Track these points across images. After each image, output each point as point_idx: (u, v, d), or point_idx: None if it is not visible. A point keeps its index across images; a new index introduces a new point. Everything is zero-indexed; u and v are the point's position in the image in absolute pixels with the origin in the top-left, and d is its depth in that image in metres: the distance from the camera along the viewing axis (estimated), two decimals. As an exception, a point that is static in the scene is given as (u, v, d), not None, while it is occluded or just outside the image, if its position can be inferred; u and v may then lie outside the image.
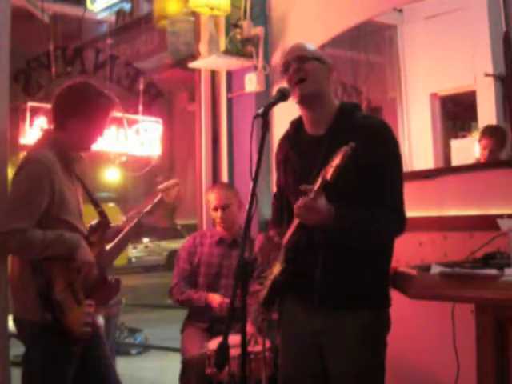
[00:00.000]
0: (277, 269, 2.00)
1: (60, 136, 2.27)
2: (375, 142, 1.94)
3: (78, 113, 2.25)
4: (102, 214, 2.39)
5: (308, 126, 2.09)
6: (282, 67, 2.06)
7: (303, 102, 2.04)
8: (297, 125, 2.14)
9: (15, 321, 2.23)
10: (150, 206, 2.54)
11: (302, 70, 2.00)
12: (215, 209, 3.25)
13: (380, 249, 2.02)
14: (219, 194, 3.28)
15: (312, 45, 2.12)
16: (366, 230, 1.93)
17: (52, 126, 2.34)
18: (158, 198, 2.57)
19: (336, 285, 1.95)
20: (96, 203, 2.42)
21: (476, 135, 2.90)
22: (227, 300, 3.01)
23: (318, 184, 1.77)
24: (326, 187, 1.76)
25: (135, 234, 2.49)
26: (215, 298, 3.07)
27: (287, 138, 2.16)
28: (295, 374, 2.08)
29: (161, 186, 2.58)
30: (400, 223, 1.98)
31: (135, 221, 2.48)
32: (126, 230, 2.45)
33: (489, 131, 2.79)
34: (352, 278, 1.95)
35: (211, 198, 3.30)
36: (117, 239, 2.42)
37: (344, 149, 1.69)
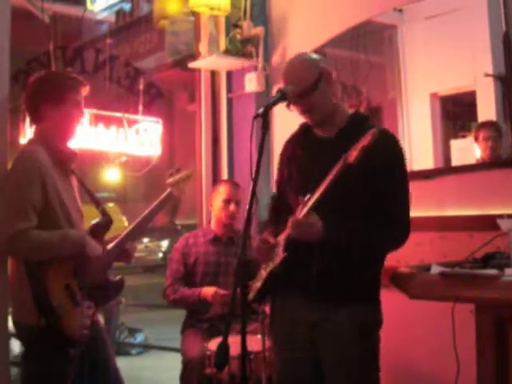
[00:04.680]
0: (275, 261, 2.02)
1: (42, 128, 2.26)
2: (386, 153, 1.98)
3: (45, 97, 2.24)
4: (104, 213, 2.35)
5: (317, 130, 2.13)
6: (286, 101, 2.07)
7: (315, 126, 2.09)
8: (305, 127, 2.17)
9: (14, 323, 2.22)
10: (157, 202, 2.44)
11: (308, 105, 2.03)
12: (228, 201, 3.21)
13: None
14: (234, 188, 3.25)
15: (305, 56, 2.09)
16: (359, 242, 1.97)
17: (33, 124, 2.32)
18: (167, 192, 2.47)
19: (332, 275, 1.98)
20: (97, 202, 2.39)
21: (476, 135, 2.89)
22: (221, 291, 3.01)
23: (314, 198, 1.88)
24: (348, 171, 1.81)
25: (140, 233, 2.43)
26: (209, 291, 3.05)
27: (295, 138, 2.20)
28: (291, 375, 2.10)
29: (171, 180, 2.48)
30: (401, 235, 2.01)
31: (140, 218, 2.41)
32: (128, 228, 2.40)
33: (487, 124, 2.79)
34: (347, 271, 1.99)
35: (223, 189, 3.25)
36: (118, 239, 2.37)
37: (373, 130, 1.75)
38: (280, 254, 2.00)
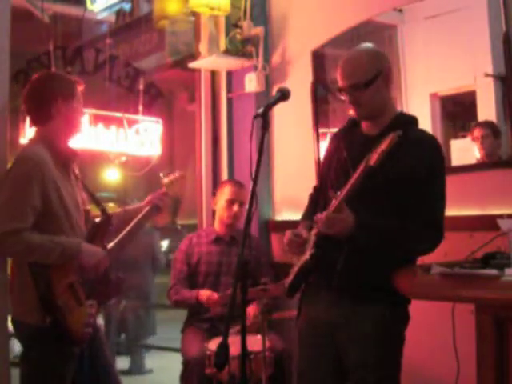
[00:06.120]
0: (305, 255, 2.02)
1: (47, 127, 2.25)
2: (423, 155, 1.97)
3: (58, 93, 2.24)
4: (104, 213, 2.37)
5: (364, 124, 2.13)
6: (338, 88, 2.07)
7: (360, 119, 2.10)
8: (353, 121, 2.16)
9: (13, 322, 2.22)
10: (153, 202, 2.50)
11: (357, 99, 2.02)
12: (231, 201, 3.21)
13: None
14: (238, 189, 3.25)
15: (370, 50, 2.09)
16: (389, 242, 1.96)
17: (36, 126, 2.30)
18: (163, 191, 2.54)
19: (356, 274, 1.97)
20: (98, 202, 2.41)
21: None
22: (215, 294, 3.02)
23: (344, 191, 1.86)
24: (369, 174, 1.81)
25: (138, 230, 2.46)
26: (204, 294, 3.05)
27: (342, 132, 2.20)
28: (311, 369, 2.10)
29: (166, 180, 2.54)
30: (433, 239, 1.99)
31: (139, 216, 2.45)
32: (128, 227, 2.43)
33: (480, 124, 2.79)
34: (372, 271, 1.97)
35: (228, 190, 3.25)
36: (119, 237, 2.39)
37: (392, 135, 1.75)
38: (310, 249, 2.01)
